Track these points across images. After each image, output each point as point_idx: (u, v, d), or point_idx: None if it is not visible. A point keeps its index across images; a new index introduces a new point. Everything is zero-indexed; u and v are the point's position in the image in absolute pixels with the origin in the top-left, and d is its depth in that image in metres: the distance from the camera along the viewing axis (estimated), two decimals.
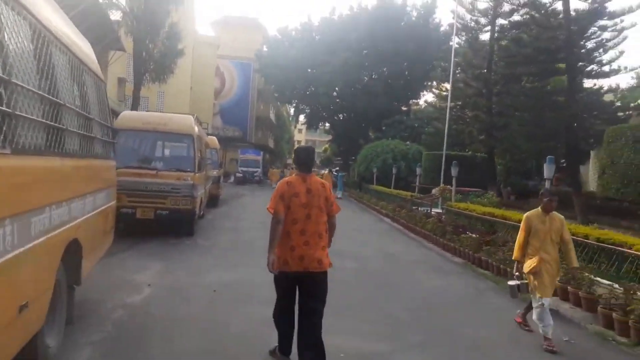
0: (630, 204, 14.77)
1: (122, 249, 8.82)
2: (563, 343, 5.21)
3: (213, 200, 17.89)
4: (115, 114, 14.66)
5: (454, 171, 15.76)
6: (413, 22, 40.33)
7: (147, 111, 24.29)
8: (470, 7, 22.03)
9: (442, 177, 18.61)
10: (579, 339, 5.39)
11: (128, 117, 11.27)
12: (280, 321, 4.07)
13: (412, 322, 5.62)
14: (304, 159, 4.07)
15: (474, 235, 10.88)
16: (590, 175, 22.05)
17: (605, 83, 20.65)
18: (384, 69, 41.11)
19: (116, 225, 10.10)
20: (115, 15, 24.15)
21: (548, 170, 10.31)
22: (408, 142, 32.42)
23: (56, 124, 3.23)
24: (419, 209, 16.82)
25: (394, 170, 25.62)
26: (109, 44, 23.59)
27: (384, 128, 37.70)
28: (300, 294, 3.97)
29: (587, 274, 6.69)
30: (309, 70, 41.73)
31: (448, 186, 17.29)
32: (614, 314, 5.67)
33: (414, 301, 6.54)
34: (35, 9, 2.93)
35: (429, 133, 29.37)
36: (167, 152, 11.89)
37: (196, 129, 11.55)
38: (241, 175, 38.34)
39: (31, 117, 2.78)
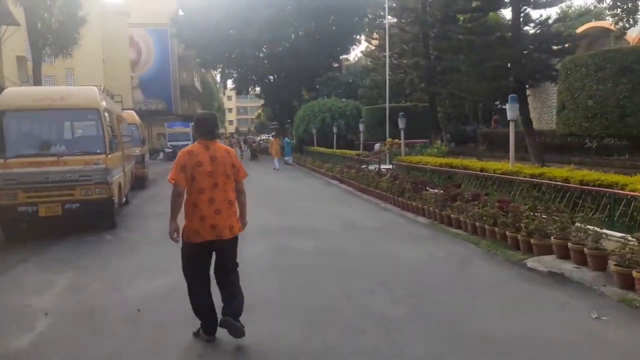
0: (595, 139, 14.19)
1: (20, 259, 7.00)
2: (593, 322, 4.17)
3: (139, 182, 15.91)
4: None
5: (401, 123, 14.65)
6: None
7: None
8: None
9: (387, 131, 17.53)
10: (605, 311, 4.36)
11: (14, 94, 9.05)
12: (199, 301, 3.88)
13: (406, 319, 4.36)
14: (206, 126, 3.93)
15: (437, 191, 9.85)
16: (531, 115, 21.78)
17: (553, 13, 19.76)
18: (311, 25, 39.03)
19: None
20: None
21: (511, 110, 9.36)
22: (344, 99, 31.17)
23: None
24: (368, 167, 15.71)
25: (335, 130, 24.34)
26: None
27: (317, 87, 36.14)
28: (215, 266, 3.95)
29: (592, 227, 5.72)
30: (231, 31, 38.94)
31: (396, 140, 16.25)
32: (634, 273, 4.72)
33: (398, 287, 5.28)
34: None
35: (366, 87, 28.17)
36: (69, 133, 9.83)
37: (103, 102, 9.57)
38: (171, 150, 35.93)
39: None
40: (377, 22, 28.05)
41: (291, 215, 10.22)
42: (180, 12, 42.12)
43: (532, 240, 6.29)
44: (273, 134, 57.90)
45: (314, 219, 9.79)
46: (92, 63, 35.01)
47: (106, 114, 9.41)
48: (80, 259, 6.96)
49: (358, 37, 41.25)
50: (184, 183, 3.75)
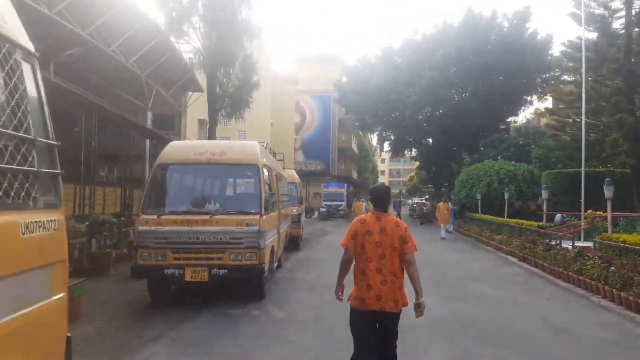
0: None
1: (154, 335, 6.04)
2: None
3: (293, 242, 15.16)
4: None
5: (608, 192, 11.55)
6: (505, 33, 35.89)
7: None
8: None
9: (582, 200, 14.34)
10: None
11: (175, 147, 8.75)
12: None
13: None
14: (380, 198, 4.06)
15: None
16: None
17: None
18: (478, 85, 36.75)
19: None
20: (188, 54, 23.04)
21: None
22: (513, 162, 27.88)
23: None
24: (561, 244, 12.70)
25: (506, 196, 21.35)
26: (185, 84, 22.67)
27: (482, 149, 33.24)
28: (377, 338, 3.87)
29: None
30: (392, 95, 38.56)
31: (599, 212, 13.05)
32: None
33: None
34: None
35: (549, 147, 24.69)
36: (225, 189, 9.23)
37: (264, 158, 8.81)
38: (325, 209, 36.19)
39: None
40: (555, 81, 24.92)
41: (468, 304, 8.02)
42: (344, 79, 43.46)
43: None
44: (426, 197, 55.38)
45: (503, 313, 7.49)
46: (261, 125, 37.36)
47: (265, 171, 8.61)
48: (217, 341, 5.76)
49: (529, 98, 37.95)
50: (354, 249, 3.84)
